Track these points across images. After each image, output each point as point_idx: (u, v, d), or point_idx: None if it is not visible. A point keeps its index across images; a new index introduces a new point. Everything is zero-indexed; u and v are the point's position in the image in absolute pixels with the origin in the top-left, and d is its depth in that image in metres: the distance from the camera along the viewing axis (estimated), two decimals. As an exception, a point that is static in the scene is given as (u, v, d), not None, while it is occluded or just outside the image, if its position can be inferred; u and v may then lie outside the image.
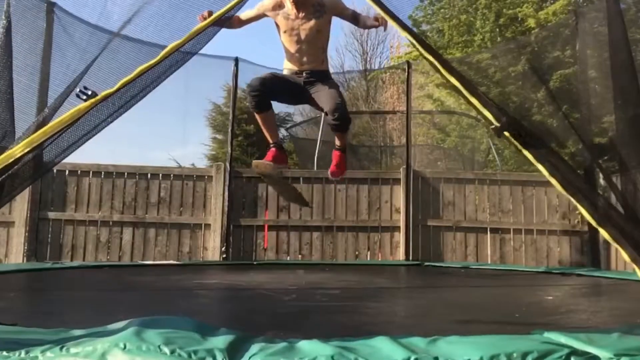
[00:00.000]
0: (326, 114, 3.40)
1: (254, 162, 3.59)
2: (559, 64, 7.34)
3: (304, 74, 3.41)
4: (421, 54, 2.41)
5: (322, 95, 3.40)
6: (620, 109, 2.33)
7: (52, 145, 2.26)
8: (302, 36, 3.32)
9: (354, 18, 3.45)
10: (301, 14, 3.29)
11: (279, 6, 3.35)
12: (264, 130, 3.53)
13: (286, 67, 3.48)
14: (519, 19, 9.88)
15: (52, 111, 2.32)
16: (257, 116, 3.46)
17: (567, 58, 7.13)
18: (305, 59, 3.38)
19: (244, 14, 3.45)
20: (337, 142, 3.73)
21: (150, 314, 1.83)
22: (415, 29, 11.44)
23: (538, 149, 1.91)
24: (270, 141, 3.54)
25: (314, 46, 3.36)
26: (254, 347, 1.54)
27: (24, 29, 3.01)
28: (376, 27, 3.31)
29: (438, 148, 12.35)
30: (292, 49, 3.38)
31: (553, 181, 1.88)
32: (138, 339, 1.52)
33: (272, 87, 3.37)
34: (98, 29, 2.89)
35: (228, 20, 3.26)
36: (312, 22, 3.28)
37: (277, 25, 3.44)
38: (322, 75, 3.47)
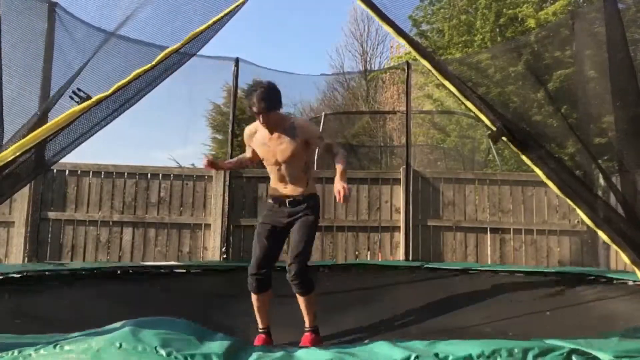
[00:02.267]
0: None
1: None
2: (559, 64, 7.32)
3: (288, 203, 3.26)
4: (418, 59, 2.40)
5: (294, 231, 3.24)
6: (619, 109, 2.32)
7: (47, 146, 2.25)
8: (279, 158, 3.21)
9: (327, 150, 3.26)
10: (274, 135, 3.20)
11: (254, 134, 3.32)
12: (256, 313, 3.28)
13: (271, 194, 3.35)
14: (519, 19, 9.86)
15: (43, 113, 2.31)
16: (253, 297, 3.24)
17: (567, 58, 7.11)
18: (287, 179, 3.25)
19: (248, 153, 3.48)
20: (306, 322, 3.32)
21: (150, 314, 1.83)
22: (415, 29, 11.43)
23: (535, 151, 1.90)
24: (260, 326, 3.31)
25: (293, 168, 3.23)
26: (252, 355, 1.52)
27: (15, 29, 2.99)
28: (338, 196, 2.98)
29: (438, 148, 12.34)
30: (273, 173, 3.29)
31: (550, 184, 1.87)
32: (134, 338, 1.50)
33: (268, 262, 3.23)
34: (94, 28, 2.87)
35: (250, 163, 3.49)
36: (284, 145, 3.18)
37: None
38: (306, 206, 3.27)
